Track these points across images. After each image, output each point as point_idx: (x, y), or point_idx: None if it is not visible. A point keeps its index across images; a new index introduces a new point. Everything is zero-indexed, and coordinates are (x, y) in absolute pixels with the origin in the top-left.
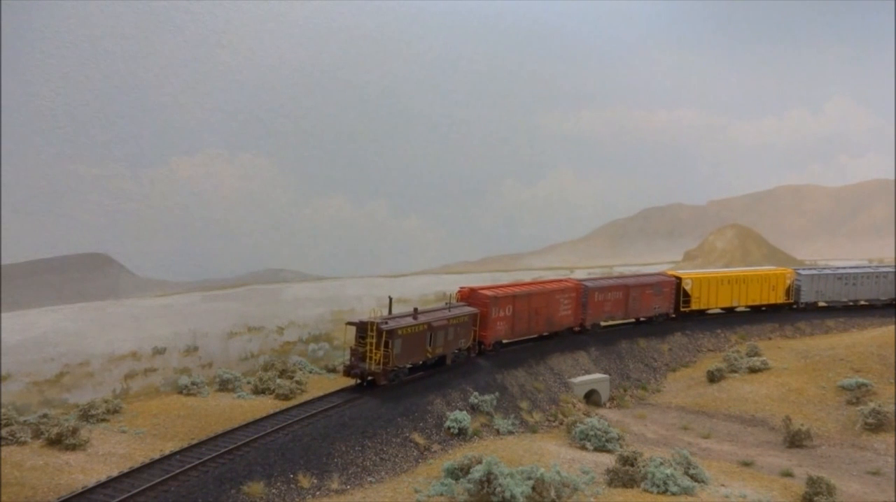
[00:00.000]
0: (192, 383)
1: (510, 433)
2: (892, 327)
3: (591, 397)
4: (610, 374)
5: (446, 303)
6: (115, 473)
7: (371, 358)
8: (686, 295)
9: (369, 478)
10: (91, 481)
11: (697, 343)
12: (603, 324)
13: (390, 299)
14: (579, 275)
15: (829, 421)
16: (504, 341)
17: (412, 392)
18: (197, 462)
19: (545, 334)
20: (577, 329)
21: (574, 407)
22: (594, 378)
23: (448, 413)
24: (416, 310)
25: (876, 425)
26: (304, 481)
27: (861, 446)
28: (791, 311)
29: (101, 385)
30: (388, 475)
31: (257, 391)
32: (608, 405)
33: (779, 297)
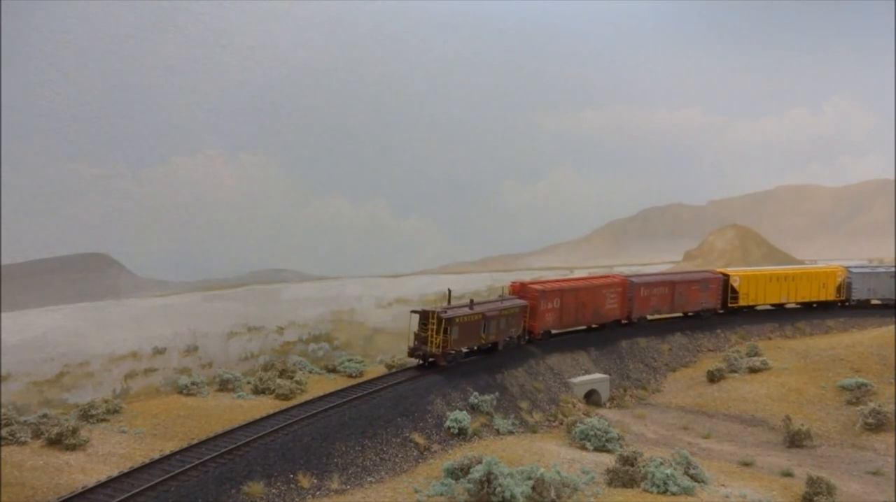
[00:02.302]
0: (192, 383)
1: (510, 433)
2: (892, 327)
3: (591, 397)
4: (610, 374)
5: (499, 296)
6: (115, 473)
7: (432, 342)
8: (734, 291)
9: (369, 478)
10: (91, 481)
11: (697, 343)
12: (649, 317)
13: (449, 291)
14: (581, 275)
15: (829, 421)
16: (553, 331)
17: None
18: (197, 462)
19: (593, 326)
20: (623, 321)
21: (574, 407)
22: (594, 378)
23: (448, 413)
24: (471, 301)
25: (876, 425)
26: (304, 481)
27: (861, 446)
28: (845, 308)
29: (101, 385)
30: (388, 475)
31: (257, 391)
32: (608, 405)
33: (829, 295)
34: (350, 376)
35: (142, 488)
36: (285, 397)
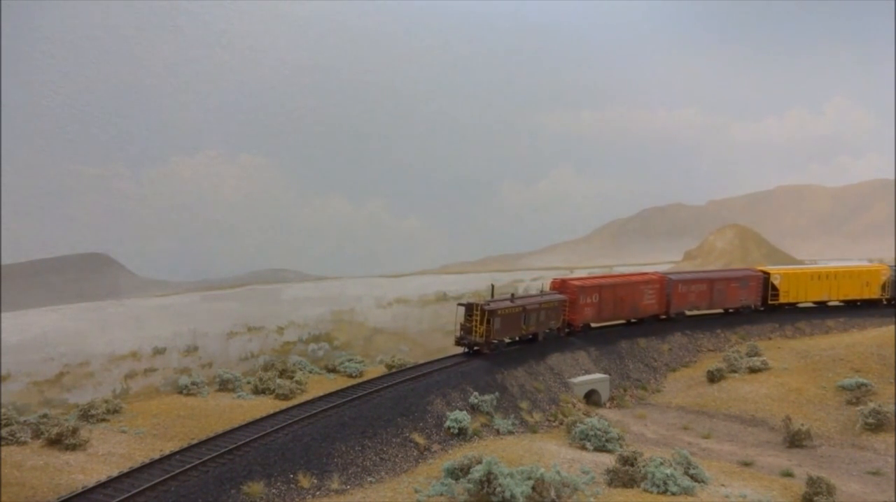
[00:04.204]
0: (192, 383)
1: (510, 433)
2: (892, 327)
3: (591, 397)
4: (610, 374)
5: (540, 291)
6: (115, 473)
7: (476, 331)
8: (774, 289)
9: (369, 478)
10: (91, 481)
11: (697, 343)
12: (688, 313)
13: (492, 286)
14: (580, 274)
15: (829, 421)
16: (592, 324)
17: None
18: (197, 462)
19: (632, 320)
20: (662, 316)
21: (574, 407)
22: (594, 378)
23: (448, 413)
24: (512, 295)
25: (876, 425)
26: (304, 481)
27: (861, 446)
28: (887, 306)
29: (101, 385)
30: (388, 475)
31: (257, 391)
32: (608, 405)
33: (873, 293)
34: (350, 376)
35: (142, 488)
36: (285, 397)
